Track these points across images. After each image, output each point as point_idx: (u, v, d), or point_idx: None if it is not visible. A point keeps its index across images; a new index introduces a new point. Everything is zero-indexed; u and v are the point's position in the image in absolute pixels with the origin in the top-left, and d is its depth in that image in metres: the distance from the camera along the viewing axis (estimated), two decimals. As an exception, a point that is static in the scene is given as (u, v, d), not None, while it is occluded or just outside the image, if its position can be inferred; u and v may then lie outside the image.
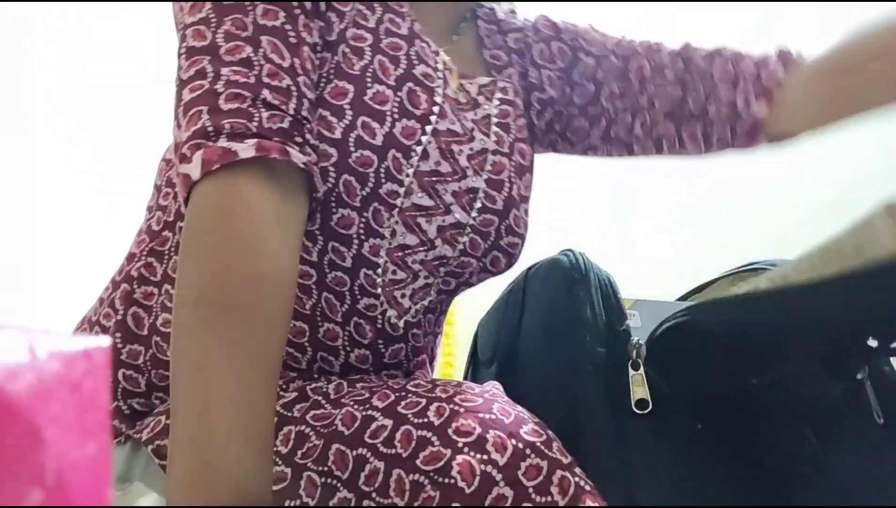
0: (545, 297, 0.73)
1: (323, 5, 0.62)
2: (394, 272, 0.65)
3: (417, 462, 0.51)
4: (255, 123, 0.54)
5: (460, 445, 0.50)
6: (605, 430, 0.62)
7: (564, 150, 0.85)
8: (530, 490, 0.49)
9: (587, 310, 0.66)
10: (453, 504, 0.48)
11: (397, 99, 0.63)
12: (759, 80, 0.75)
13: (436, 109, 0.65)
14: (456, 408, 0.53)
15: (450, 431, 0.51)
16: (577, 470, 0.52)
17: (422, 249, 0.65)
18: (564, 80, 0.80)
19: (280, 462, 0.56)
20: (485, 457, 0.49)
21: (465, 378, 0.87)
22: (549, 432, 0.54)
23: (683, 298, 0.83)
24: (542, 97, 0.81)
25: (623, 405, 0.62)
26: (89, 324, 0.71)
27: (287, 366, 0.65)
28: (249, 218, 0.51)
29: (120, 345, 0.67)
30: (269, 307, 0.51)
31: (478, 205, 0.67)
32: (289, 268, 0.54)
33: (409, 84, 0.64)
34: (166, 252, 0.68)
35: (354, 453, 0.54)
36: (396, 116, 0.62)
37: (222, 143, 0.52)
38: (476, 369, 0.85)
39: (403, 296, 0.66)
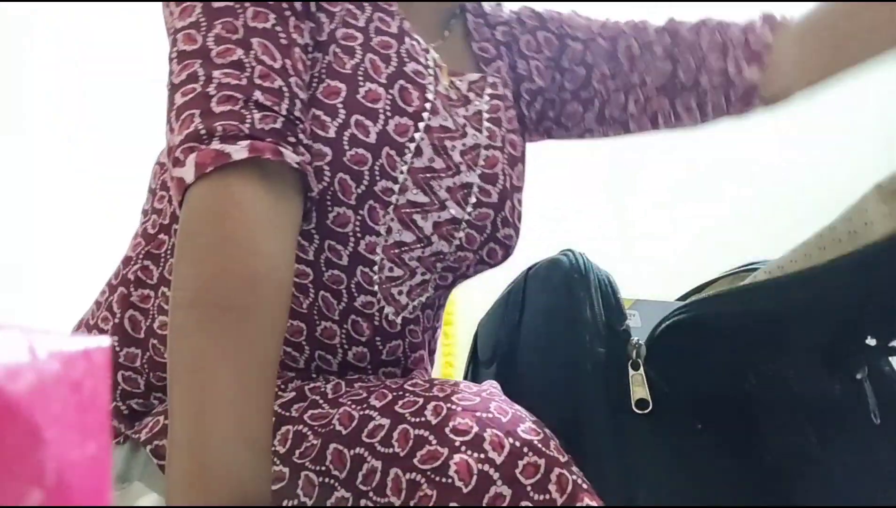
0: (545, 297, 0.73)
1: (313, 6, 0.63)
2: (390, 269, 0.65)
3: (415, 461, 0.51)
4: (247, 125, 0.54)
5: (458, 444, 0.50)
6: (605, 430, 0.62)
7: (560, 136, 0.85)
8: (528, 488, 0.49)
9: (587, 310, 0.67)
10: (451, 504, 0.49)
11: (389, 97, 0.63)
12: (747, 45, 0.76)
13: (428, 105, 0.65)
14: (453, 407, 0.53)
15: (447, 430, 0.51)
16: (575, 469, 0.52)
17: (418, 245, 0.65)
18: (553, 67, 0.81)
19: (278, 462, 0.56)
20: (482, 456, 0.49)
21: (465, 378, 0.87)
22: (547, 430, 0.54)
23: (683, 298, 0.83)
24: (531, 87, 0.81)
25: (623, 405, 0.62)
26: (87, 327, 0.71)
27: (285, 366, 0.65)
28: (243, 219, 0.51)
29: (117, 348, 0.67)
30: (264, 307, 0.51)
31: (472, 200, 0.68)
32: (283, 268, 0.54)
33: (401, 81, 0.64)
34: (162, 255, 0.68)
35: (352, 452, 0.54)
36: (389, 113, 0.63)
37: (215, 145, 0.52)
38: (476, 369, 0.85)
39: (400, 293, 0.67)
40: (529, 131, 0.83)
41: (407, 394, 0.56)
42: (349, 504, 0.52)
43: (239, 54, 0.56)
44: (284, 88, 0.57)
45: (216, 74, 0.55)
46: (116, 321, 0.68)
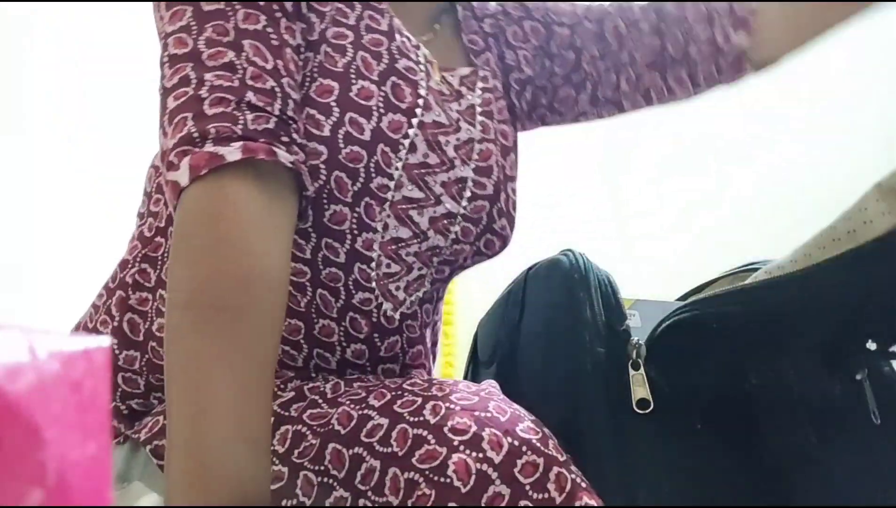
0: (545, 297, 0.73)
1: (303, 6, 0.63)
2: (388, 266, 0.65)
3: (413, 460, 0.51)
4: (240, 126, 0.54)
5: (456, 443, 0.50)
6: (605, 430, 0.62)
7: (555, 122, 0.86)
8: (527, 487, 0.49)
9: (587, 310, 0.67)
10: (449, 504, 0.49)
11: (382, 94, 0.63)
12: (732, 11, 0.77)
13: (420, 101, 0.66)
14: (452, 406, 0.53)
15: (445, 429, 0.51)
16: (574, 468, 0.52)
17: (415, 241, 0.66)
18: (542, 55, 0.82)
19: (277, 462, 0.56)
20: (480, 455, 0.49)
21: (465, 378, 0.87)
22: (546, 429, 0.54)
23: (683, 298, 0.83)
24: (520, 77, 0.82)
25: (623, 405, 0.62)
26: (85, 331, 0.71)
27: (284, 365, 0.65)
28: (237, 220, 0.51)
29: (117, 351, 0.67)
30: (260, 307, 0.51)
31: (467, 194, 0.68)
32: (279, 268, 0.54)
33: (393, 78, 0.64)
34: (159, 258, 0.68)
35: (351, 452, 0.54)
36: (382, 110, 0.63)
37: (209, 148, 0.52)
38: (476, 369, 0.85)
39: (398, 288, 0.67)
40: (522, 120, 0.84)
41: (405, 393, 0.56)
42: (348, 504, 0.52)
43: (230, 56, 0.56)
44: (276, 89, 0.57)
45: (208, 76, 0.55)
46: (115, 324, 0.68)
